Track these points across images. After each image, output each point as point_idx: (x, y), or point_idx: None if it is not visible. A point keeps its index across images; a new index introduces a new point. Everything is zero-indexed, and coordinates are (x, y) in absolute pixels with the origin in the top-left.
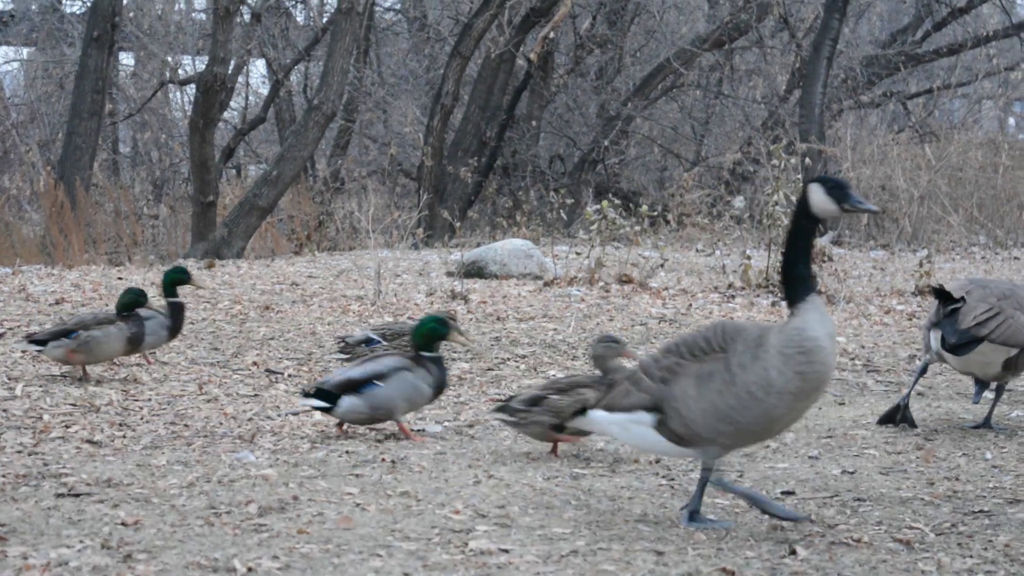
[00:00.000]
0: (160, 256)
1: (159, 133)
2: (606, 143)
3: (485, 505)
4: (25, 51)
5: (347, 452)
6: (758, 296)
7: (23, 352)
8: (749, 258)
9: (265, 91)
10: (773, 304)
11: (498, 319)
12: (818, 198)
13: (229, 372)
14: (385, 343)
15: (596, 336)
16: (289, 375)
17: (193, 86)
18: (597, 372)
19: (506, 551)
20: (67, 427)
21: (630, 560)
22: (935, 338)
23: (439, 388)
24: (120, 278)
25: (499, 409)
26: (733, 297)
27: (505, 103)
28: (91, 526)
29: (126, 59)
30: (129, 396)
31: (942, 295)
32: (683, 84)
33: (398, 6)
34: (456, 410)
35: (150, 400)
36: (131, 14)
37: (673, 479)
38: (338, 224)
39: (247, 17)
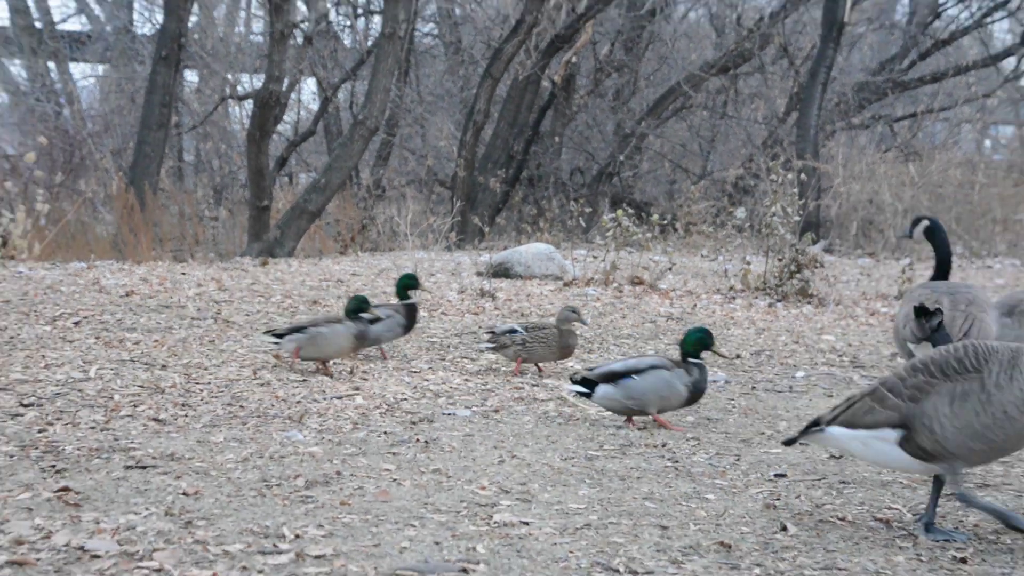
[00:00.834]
0: (219, 254)
1: (219, 143)
2: (621, 158)
3: (508, 482)
4: (100, 68)
5: (385, 433)
6: (756, 298)
7: (263, 344)
8: (749, 264)
9: (315, 107)
10: (769, 305)
11: (522, 315)
12: None
13: (280, 359)
14: (526, 333)
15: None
16: (335, 363)
17: (251, 101)
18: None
19: (527, 523)
20: (135, 406)
21: (637, 533)
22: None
23: (697, 392)
24: (183, 273)
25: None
26: (734, 299)
27: (531, 120)
28: (156, 495)
29: (191, 76)
30: (191, 379)
31: (923, 312)
32: (692, 105)
33: (436, 32)
34: (483, 396)
35: (210, 383)
36: (195, 36)
37: (677, 461)
38: (379, 227)
39: (300, 40)
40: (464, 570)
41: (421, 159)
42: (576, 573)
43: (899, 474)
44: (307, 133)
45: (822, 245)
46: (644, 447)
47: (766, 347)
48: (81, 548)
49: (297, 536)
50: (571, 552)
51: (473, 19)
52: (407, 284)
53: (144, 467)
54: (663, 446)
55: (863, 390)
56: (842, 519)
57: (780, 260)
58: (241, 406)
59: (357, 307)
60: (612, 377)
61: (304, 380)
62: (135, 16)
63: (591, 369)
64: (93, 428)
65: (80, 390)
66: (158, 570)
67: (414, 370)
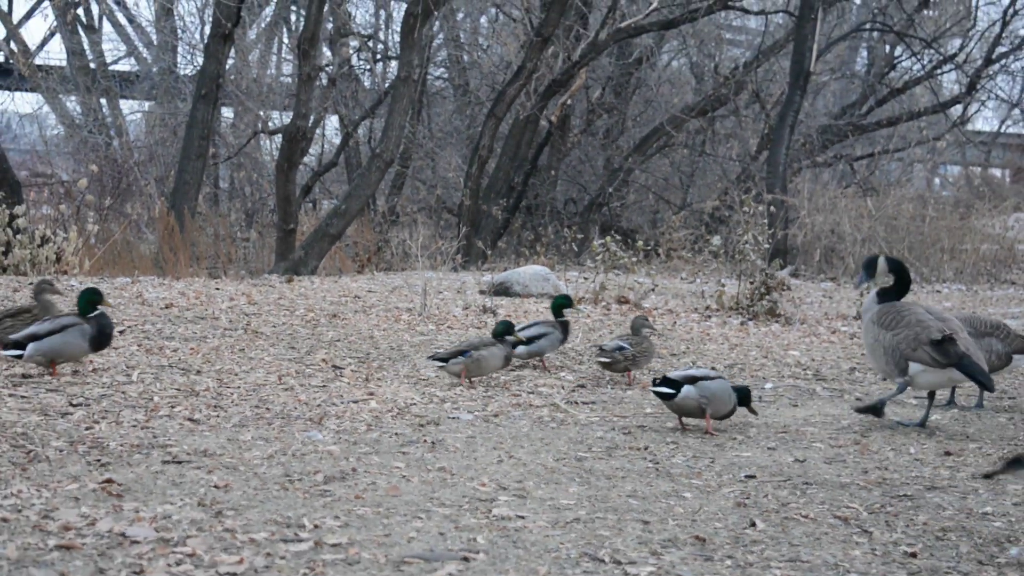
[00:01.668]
0: (249, 271)
1: (251, 173)
2: (610, 190)
3: (506, 480)
4: (147, 104)
5: (396, 434)
6: (730, 317)
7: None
8: (723, 286)
9: (337, 141)
10: (742, 323)
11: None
12: None
13: (303, 367)
14: (631, 348)
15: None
16: (352, 370)
17: (280, 136)
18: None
19: (522, 517)
20: (172, 407)
21: (622, 527)
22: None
23: (743, 400)
24: (217, 288)
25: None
26: (709, 317)
27: (530, 155)
28: (190, 487)
29: (227, 113)
30: (223, 384)
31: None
32: (673, 144)
33: (446, 75)
34: (484, 403)
35: (239, 387)
36: (232, 76)
37: (658, 463)
38: (393, 249)
39: (325, 81)
40: (465, 558)
41: (431, 189)
42: (566, 562)
43: (856, 476)
44: (330, 164)
45: (789, 270)
46: (628, 450)
47: (738, 361)
48: (122, 534)
49: (316, 526)
50: (562, 543)
51: (479, 65)
52: (562, 304)
53: (180, 462)
54: (645, 449)
55: None
56: (805, 516)
57: (751, 283)
58: (267, 408)
59: (504, 330)
60: (692, 380)
61: (324, 386)
62: (178, 58)
63: (671, 374)
64: (135, 426)
65: (123, 392)
66: (191, 555)
67: (422, 378)
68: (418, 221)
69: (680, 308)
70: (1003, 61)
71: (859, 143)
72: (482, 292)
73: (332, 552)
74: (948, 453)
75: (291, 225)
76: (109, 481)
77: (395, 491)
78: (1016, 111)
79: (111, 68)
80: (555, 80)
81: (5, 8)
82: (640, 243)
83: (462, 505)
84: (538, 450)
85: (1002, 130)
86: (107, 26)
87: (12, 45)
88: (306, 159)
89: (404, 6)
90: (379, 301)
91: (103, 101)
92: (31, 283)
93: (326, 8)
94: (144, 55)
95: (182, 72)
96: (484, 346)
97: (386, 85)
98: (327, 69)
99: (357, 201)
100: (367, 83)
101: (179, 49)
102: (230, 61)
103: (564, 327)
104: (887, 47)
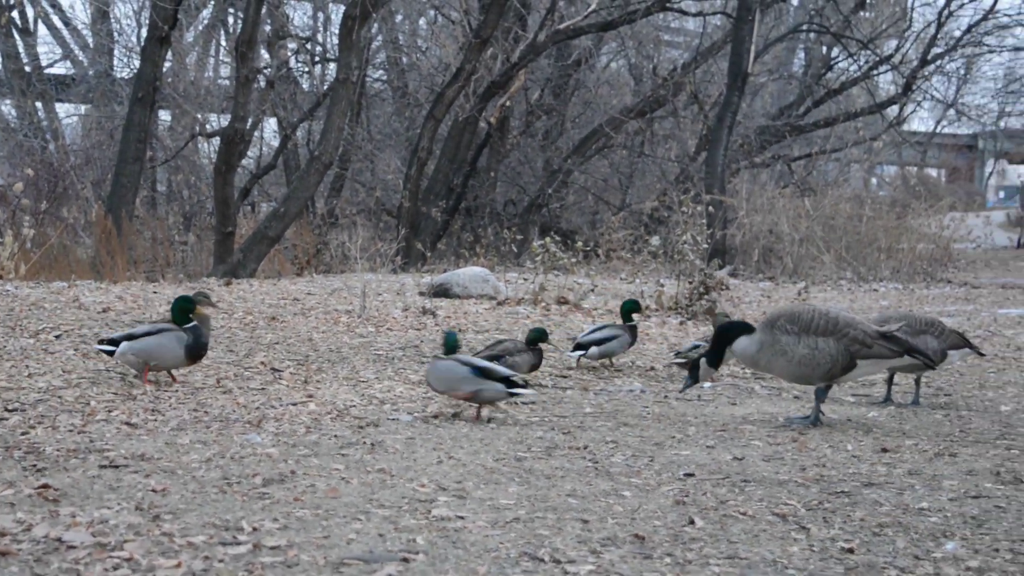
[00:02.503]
0: (187, 275)
1: (189, 176)
2: (549, 191)
3: (446, 481)
4: (83, 108)
5: (335, 436)
6: (669, 316)
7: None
8: (662, 286)
9: (276, 143)
10: (681, 323)
11: (459, 331)
12: None
13: (242, 369)
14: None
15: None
16: (291, 373)
17: (218, 139)
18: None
19: (462, 517)
20: (110, 411)
21: (561, 527)
22: None
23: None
24: (155, 292)
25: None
26: (649, 317)
27: (469, 157)
28: (127, 492)
29: (164, 116)
30: (160, 387)
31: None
32: (612, 145)
33: (385, 77)
34: (424, 403)
35: (177, 391)
36: (169, 79)
37: (597, 462)
38: (332, 252)
39: (263, 84)
40: (405, 559)
41: (370, 191)
42: (506, 562)
43: (794, 473)
44: (268, 167)
45: (727, 270)
46: (568, 449)
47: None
48: (59, 540)
49: (255, 529)
50: (501, 543)
51: (418, 67)
52: (631, 309)
53: (117, 466)
54: (585, 448)
55: None
56: (744, 514)
57: (690, 283)
58: (205, 411)
59: (537, 337)
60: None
61: (263, 389)
62: (115, 61)
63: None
64: (71, 431)
65: (60, 397)
66: (128, 559)
67: (362, 380)
68: (357, 223)
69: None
70: (938, 62)
71: (797, 143)
72: (422, 294)
73: (271, 554)
74: (885, 450)
75: (229, 228)
76: (45, 486)
77: (334, 493)
78: (951, 111)
79: (46, 71)
80: (494, 82)
81: None
82: (579, 244)
83: (402, 506)
84: (478, 450)
85: (938, 130)
86: (42, 29)
87: None
88: (244, 162)
89: (342, 8)
90: (318, 303)
91: (39, 105)
92: None
93: (264, 10)
94: (80, 58)
95: (119, 75)
96: (517, 352)
97: (324, 87)
98: (265, 71)
99: (296, 204)
100: (305, 85)
101: (116, 52)
102: (167, 64)
103: (632, 331)
104: (824, 48)
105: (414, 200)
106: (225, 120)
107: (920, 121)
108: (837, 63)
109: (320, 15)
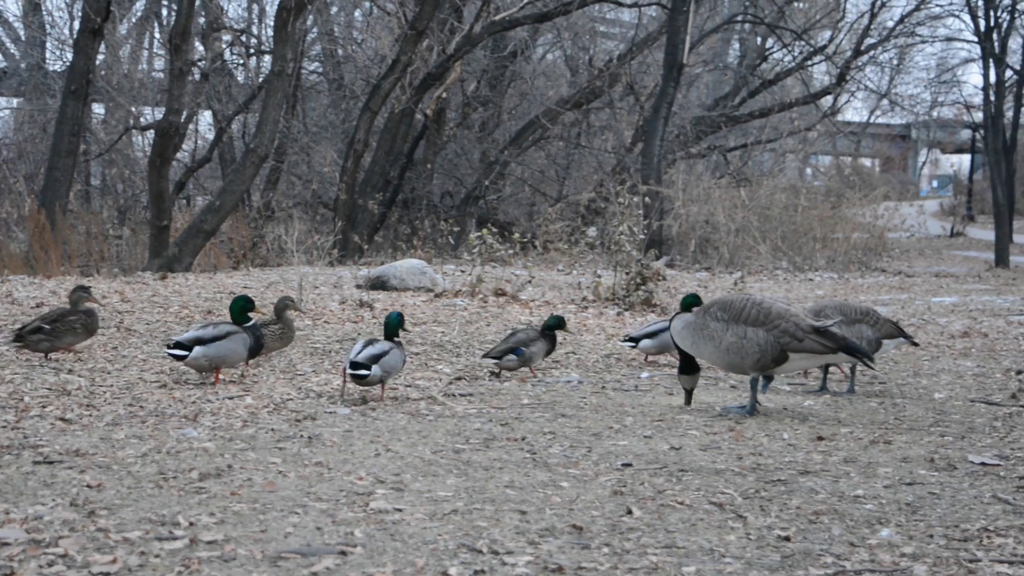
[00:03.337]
0: (122, 269)
1: (124, 169)
2: (486, 183)
3: (383, 473)
4: (15, 101)
5: (272, 430)
6: (606, 307)
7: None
8: (600, 277)
9: (211, 136)
10: (618, 314)
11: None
12: None
13: (178, 364)
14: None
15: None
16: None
17: (152, 132)
18: None
19: (400, 510)
20: (44, 407)
21: (499, 518)
22: None
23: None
24: (90, 286)
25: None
26: (586, 308)
27: (406, 149)
28: (62, 488)
29: (97, 109)
30: (95, 383)
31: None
32: (549, 136)
33: (320, 69)
34: (362, 396)
35: (112, 386)
36: (102, 72)
37: (535, 453)
38: (268, 245)
39: (197, 76)
40: (343, 552)
41: (307, 183)
42: (444, 554)
43: (731, 462)
44: (203, 160)
45: (664, 260)
46: (506, 441)
47: (615, 351)
48: None
49: (191, 524)
50: (440, 535)
51: (354, 59)
52: (691, 303)
53: (51, 462)
54: (523, 440)
55: None
56: (681, 503)
57: (627, 274)
58: (141, 406)
59: (556, 324)
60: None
61: (199, 383)
62: (47, 54)
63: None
64: (4, 427)
65: None
66: (63, 555)
67: (299, 373)
68: (294, 216)
69: (557, 300)
70: (872, 52)
71: (732, 134)
72: (359, 286)
73: (208, 549)
74: (821, 438)
75: (165, 222)
76: None
77: (271, 487)
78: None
79: None
80: (430, 73)
81: None
82: (517, 235)
83: (339, 499)
84: (415, 443)
85: (871, 120)
86: None
87: None
88: (179, 155)
89: (277, 0)
90: (255, 297)
91: None
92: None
93: (197, 2)
94: (11, 51)
95: (51, 68)
96: (531, 342)
97: (260, 80)
98: (199, 64)
99: (232, 197)
100: (240, 78)
101: (48, 45)
102: (100, 56)
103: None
104: (759, 39)
105: (351, 193)
106: (159, 113)
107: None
108: (772, 54)
109: (254, 7)
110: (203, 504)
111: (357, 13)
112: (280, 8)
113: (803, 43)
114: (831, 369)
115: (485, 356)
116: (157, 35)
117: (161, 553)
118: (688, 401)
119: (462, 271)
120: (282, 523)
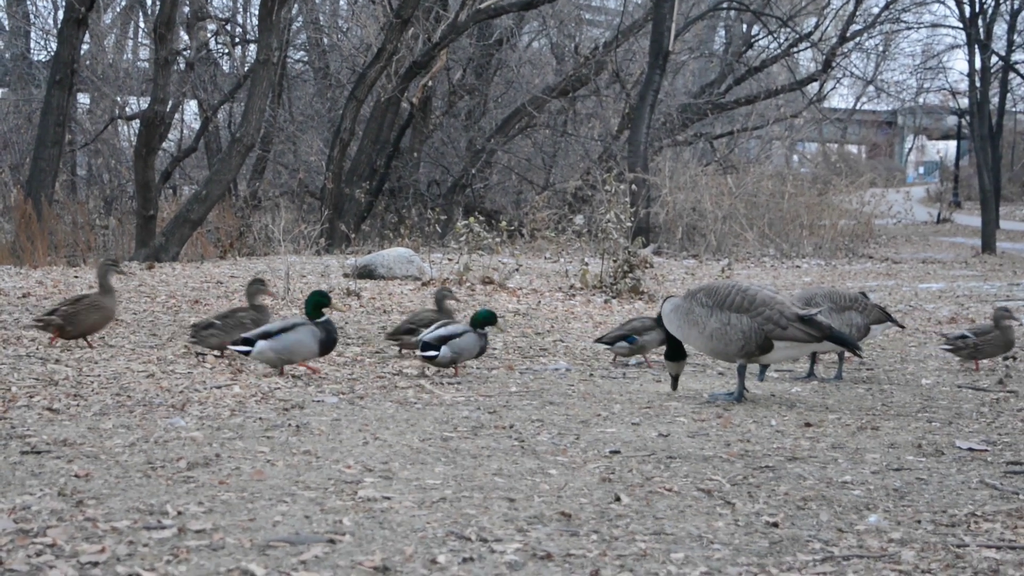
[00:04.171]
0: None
1: (109, 159)
2: (473, 171)
3: (372, 461)
4: (0, 91)
5: (260, 419)
6: (594, 295)
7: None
8: (587, 265)
9: (197, 126)
10: (605, 301)
11: (384, 312)
12: None
13: (165, 353)
14: (977, 338)
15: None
16: (214, 356)
17: (138, 121)
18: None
19: (388, 498)
20: (31, 397)
21: (488, 506)
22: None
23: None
24: (76, 276)
25: None
26: (574, 296)
27: (392, 138)
28: (50, 478)
29: (83, 99)
30: (82, 372)
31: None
32: (535, 124)
33: (306, 58)
34: (350, 385)
35: (99, 376)
36: (87, 62)
37: (523, 441)
38: (255, 234)
39: (183, 66)
40: (331, 541)
41: (293, 173)
42: (432, 542)
43: (719, 449)
44: (189, 149)
45: (651, 248)
46: (494, 428)
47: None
48: None
49: (180, 513)
50: (428, 523)
51: (339, 47)
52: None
53: (39, 452)
54: (511, 427)
55: None
56: (669, 490)
57: (615, 261)
58: (129, 396)
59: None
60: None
61: (187, 373)
62: (32, 44)
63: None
64: None
65: None
66: (51, 545)
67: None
68: (280, 205)
69: (544, 287)
70: (857, 39)
71: (719, 121)
72: (346, 275)
73: (196, 538)
74: (808, 424)
75: (151, 211)
76: None
77: (260, 475)
78: (871, 88)
79: None
80: (416, 62)
81: None
82: (504, 224)
83: (328, 488)
84: (403, 431)
85: (857, 107)
86: None
87: None
88: (165, 145)
89: None
90: (242, 286)
91: None
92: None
93: None
94: None
95: (36, 58)
96: (646, 330)
97: (245, 69)
98: (185, 53)
99: (218, 186)
100: (226, 67)
101: (32, 34)
102: (85, 46)
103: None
104: (744, 26)
105: (337, 182)
106: (145, 103)
107: (840, 98)
108: (757, 41)
109: None
110: (191, 493)
111: (342, 1)
112: None
113: (789, 30)
114: (819, 355)
115: (597, 341)
116: (142, 24)
117: (149, 542)
118: (674, 387)
119: (449, 259)
120: (270, 512)
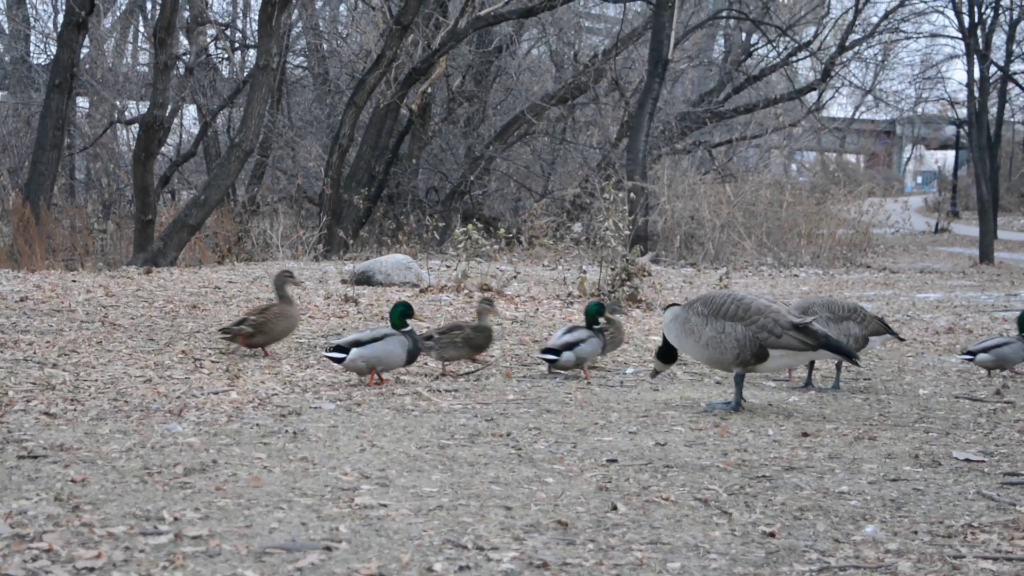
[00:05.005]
0: (107, 263)
1: (108, 163)
2: (472, 178)
3: (368, 469)
4: None
5: (257, 425)
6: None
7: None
8: (585, 272)
9: (196, 131)
10: None
11: (382, 319)
12: None
13: (162, 358)
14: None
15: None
16: (212, 362)
17: (137, 125)
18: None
19: (385, 505)
20: (28, 401)
21: (484, 514)
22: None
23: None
24: (74, 280)
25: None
26: (571, 303)
27: (391, 144)
28: (46, 482)
29: (82, 102)
30: (80, 377)
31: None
32: (534, 132)
33: (305, 64)
34: (347, 391)
35: (97, 380)
36: (87, 66)
37: (520, 449)
38: (253, 240)
39: (182, 70)
40: (328, 548)
41: (292, 178)
42: (429, 549)
43: (716, 458)
44: (188, 154)
45: (649, 256)
46: (491, 436)
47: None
48: None
49: (176, 519)
50: (425, 531)
51: (339, 53)
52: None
53: (35, 457)
54: (508, 435)
55: None
56: (666, 499)
57: (613, 269)
58: (126, 401)
59: None
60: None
61: (184, 378)
62: (31, 48)
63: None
64: None
65: None
66: (48, 550)
67: (284, 368)
68: (279, 211)
69: (542, 295)
70: (856, 48)
71: (717, 130)
72: (344, 281)
73: (192, 544)
74: (805, 434)
75: (149, 216)
76: None
77: (256, 482)
78: (869, 97)
79: None
80: (415, 68)
81: None
82: (502, 231)
83: (324, 495)
84: (400, 438)
85: (856, 116)
86: None
87: None
88: (164, 149)
89: None
90: (239, 292)
91: None
92: None
93: None
94: None
95: (35, 61)
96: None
97: (244, 74)
98: (184, 58)
99: (216, 191)
100: (225, 72)
101: (32, 38)
102: (85, 50)
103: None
104: (743, 35)
105: (336, 187)
106: (144, 107)
107: (839, 107)
108: (756, 50)
109: (239, 1)
110: (188, 499)
111: (342, 8)
112: (265, 2)
113: (788, 39)
114: (816, 364)
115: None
116: (142, 29)
117: (146, 548)
118: (653, 376)
119: (447, 266)
120: (267, 518)
